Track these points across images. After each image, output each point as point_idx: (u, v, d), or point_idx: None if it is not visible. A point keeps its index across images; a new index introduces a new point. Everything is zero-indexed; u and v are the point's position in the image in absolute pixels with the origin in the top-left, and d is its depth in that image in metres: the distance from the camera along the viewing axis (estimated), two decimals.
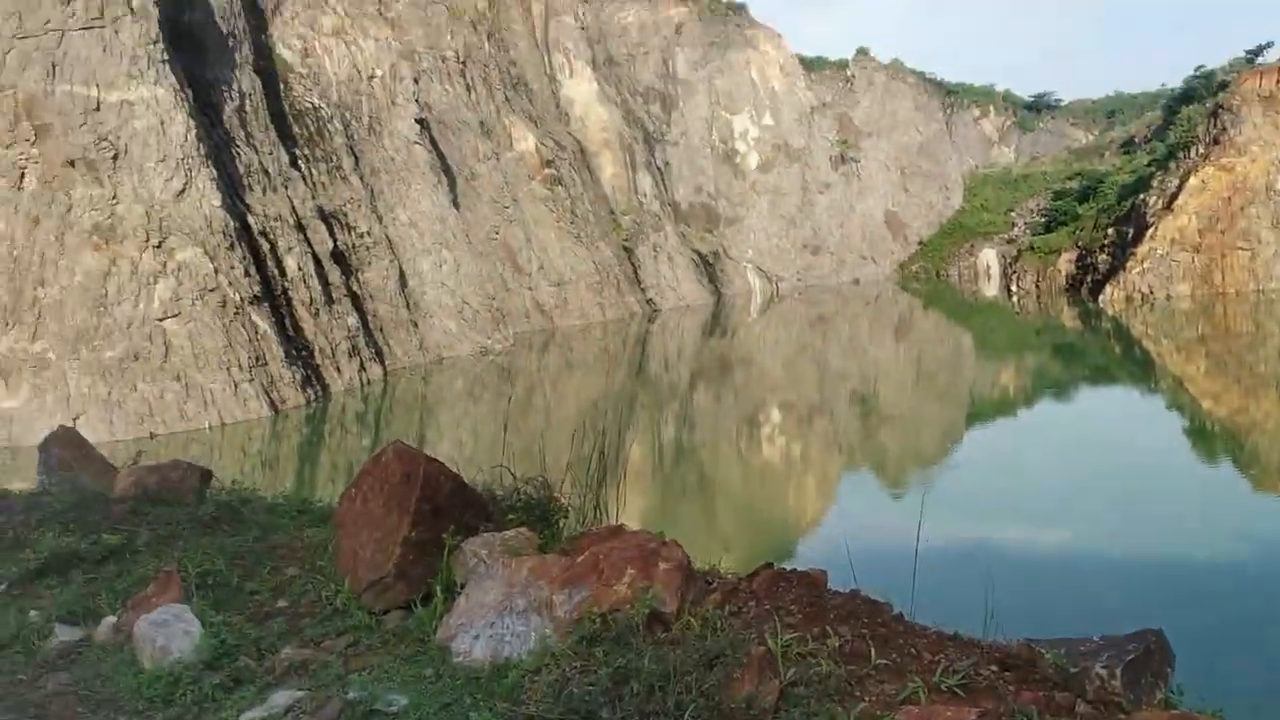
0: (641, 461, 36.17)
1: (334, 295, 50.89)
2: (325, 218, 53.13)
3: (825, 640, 4.27)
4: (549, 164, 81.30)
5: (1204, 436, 36.05)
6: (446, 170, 68.88)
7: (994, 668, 4.05)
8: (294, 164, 52.71)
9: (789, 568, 5.05)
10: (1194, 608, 17.90)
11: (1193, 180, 71.22)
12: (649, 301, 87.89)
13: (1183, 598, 18.82)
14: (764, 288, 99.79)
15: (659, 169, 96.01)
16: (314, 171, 54.88)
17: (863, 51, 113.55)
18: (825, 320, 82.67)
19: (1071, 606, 16.86)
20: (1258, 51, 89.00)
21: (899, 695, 3.91)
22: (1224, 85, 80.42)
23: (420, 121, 65.52)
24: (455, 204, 67.55)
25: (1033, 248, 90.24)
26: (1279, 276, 69.54)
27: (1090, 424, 39.78)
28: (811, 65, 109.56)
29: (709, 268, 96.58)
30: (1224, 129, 72.25)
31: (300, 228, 50.18)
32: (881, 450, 37.28)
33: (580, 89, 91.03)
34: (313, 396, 44.73)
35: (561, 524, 6.53)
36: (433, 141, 67.92)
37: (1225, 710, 4.18)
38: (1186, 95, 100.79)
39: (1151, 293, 69.87)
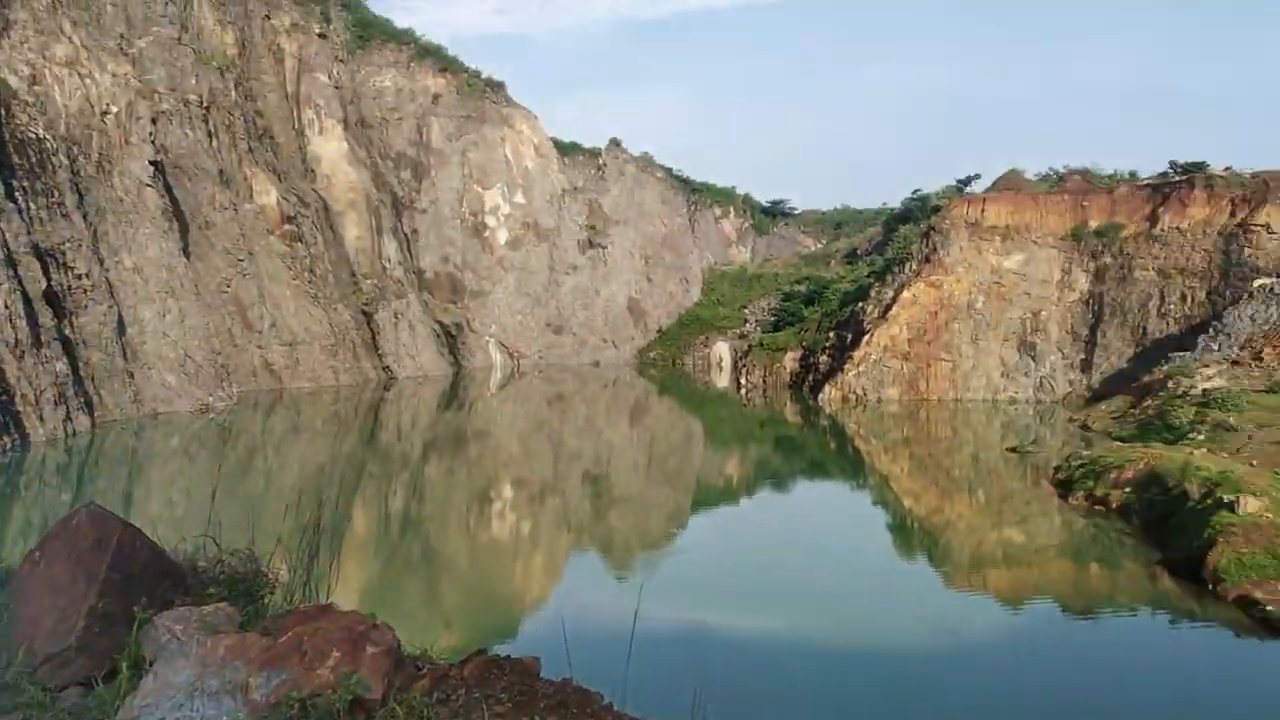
0: (364, 535, 35.12)
1: (43, 338, 47.16)
2: (40, 255, 49.36)
3: None
4: (290, 219, 78.87)
5: (903, 532, 38.71)
6: (179, 216, 65.57)
7: None
8: (9, 195, 48.78)
9: (504, 653, 5.02)
10: (889, 694, 19.20)
11: (905, 294, 77.24)
12: (386, 369, 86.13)
13: (876, 685, 20.04)
14: (505, 363, 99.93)
15: (406, 235, 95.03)
16: (32, 205, 50.89)
17: (615, 142, 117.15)
18: (564, 399, 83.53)
19: (779, 692, 17.56)
20: (967, 181, 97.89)
21: None
22: (936, 209, 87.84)
23: (155, 164, 62.26)
24: (186, 252, 64.29)
25: (762, 344, 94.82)
26: (975, 387, 76.12)
27: (805, 516, 41.97)
28: (565, 150, 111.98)
29: (450, 339, 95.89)
30: (934, 249, 78.94)
31: (11, 263, 46.34)
32: (609, 532, 37.78)
33: (329, 147, 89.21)
34: (9, 445, 41.10)
35: (267, 600, 6.18)
36: (167, 186, 64.64)
37: None
38: (904, 215, 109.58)
39: (865, 394, 74.83)
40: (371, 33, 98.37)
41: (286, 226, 78.47)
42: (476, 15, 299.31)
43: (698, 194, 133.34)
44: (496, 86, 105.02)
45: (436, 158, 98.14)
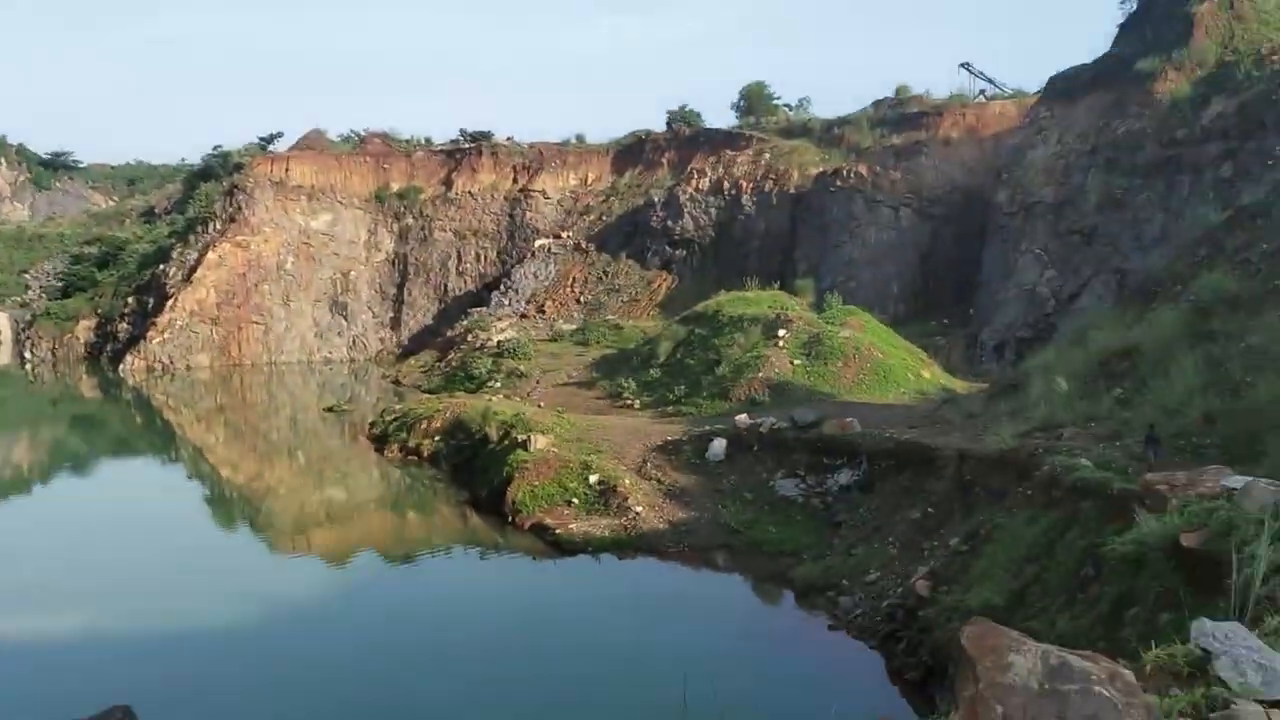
0: None
1: None
2: None
3: None
4: None
5: (223, 503, 37.35)
6: None
7: None
8: None
9: None
10: (181, 673, 18.49)
11: (211, 255, 74.18)
12: None
13: (180, 665, 19.12)
14: None
15: None
16: None
17: None
18: None
19: (85, 692, 15.94)
20: (270, 139, 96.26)
21: None
22: (239, 167, 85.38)
23: None
24: None
25: (49, 313, 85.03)
26: (289, 350, 75.70)
27: (111, 498, 38.60)
28: None
29: None
30: (240, 208, 76.74)
31: None
32: None
33: None
34: None
35: None
36: None
37: None
38: (206, 172, 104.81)
39: (173, 363, 70.73)
40: None
41: None
42: None
43: None
44: None
45: None
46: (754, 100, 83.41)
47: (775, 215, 68.40)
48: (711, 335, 43.96)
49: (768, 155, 72.36)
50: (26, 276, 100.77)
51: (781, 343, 40.10)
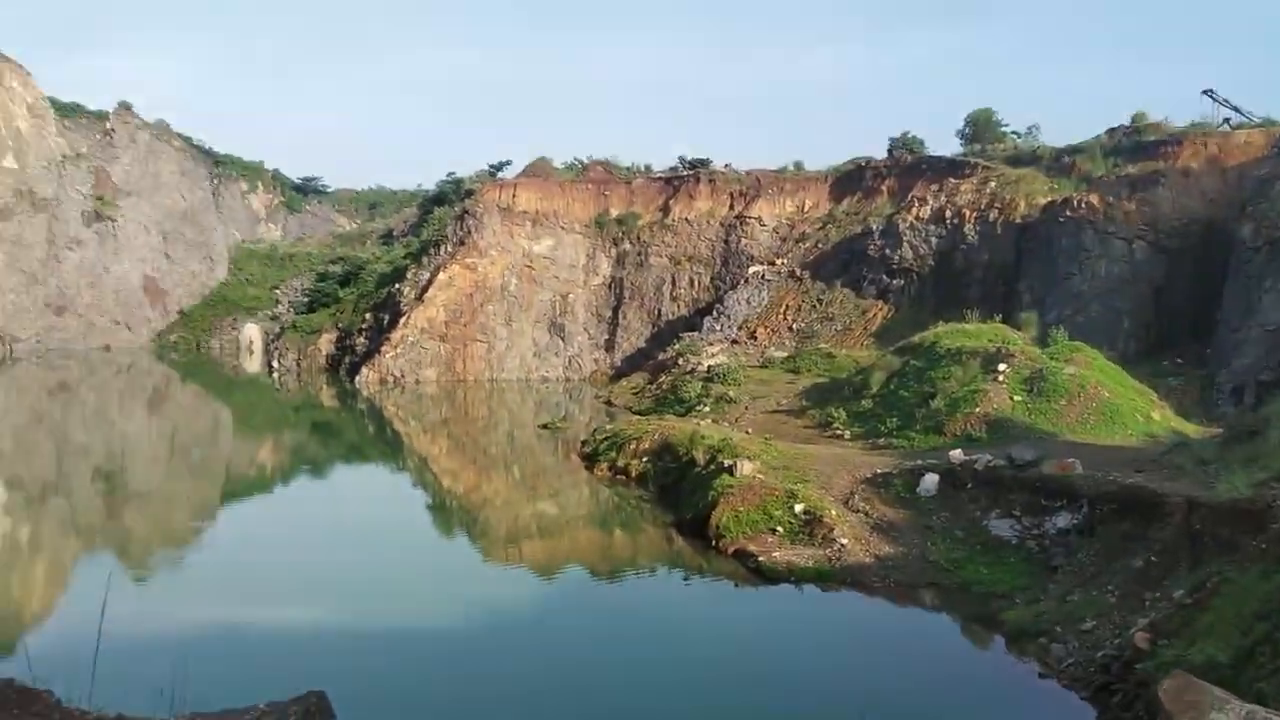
0: None
1: None
2: None
3: None
4: None
5: (443, 511, 39.09)
6: None
7: None
8: None
9: None
10: (379, 667, 19.39)
11: (441, 275, 78.00)
12: None
13: (412, 663, 20.04)
14: None
15: None
16: None
17: (125, 105, 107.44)
18: (68, 388, 75.35)
19: (279, 677, 16.99)
20: (499, 167, 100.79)
21: None
22: (470, 193, 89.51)
23: None
24: None
25: (296, 326, 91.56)
26: (509, 368, 78.61)
27: (343, 500, 41.09)
28: (66, 111, 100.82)
29: None
30: (469, 232, 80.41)
31: None
32: (123, 531, 34.61)
33: None
34: None
35: None
36: None
37: None
38: (439, 197, 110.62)
39: (403, 376, 74.69)
40: None
41: None
42: None
43: (221, 166, 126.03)
44: None
45: None
46: (980, 127, 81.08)
47: (999, 245, 66.14)
48: (927, 367, 42.91)
49: (993, 183, 70.09)
50: (277, 292, 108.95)
51: (1001, 378, 38.71)
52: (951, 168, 75.14)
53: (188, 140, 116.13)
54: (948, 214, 69.71)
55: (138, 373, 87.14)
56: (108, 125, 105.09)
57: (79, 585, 26.35)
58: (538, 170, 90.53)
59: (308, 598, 24.76)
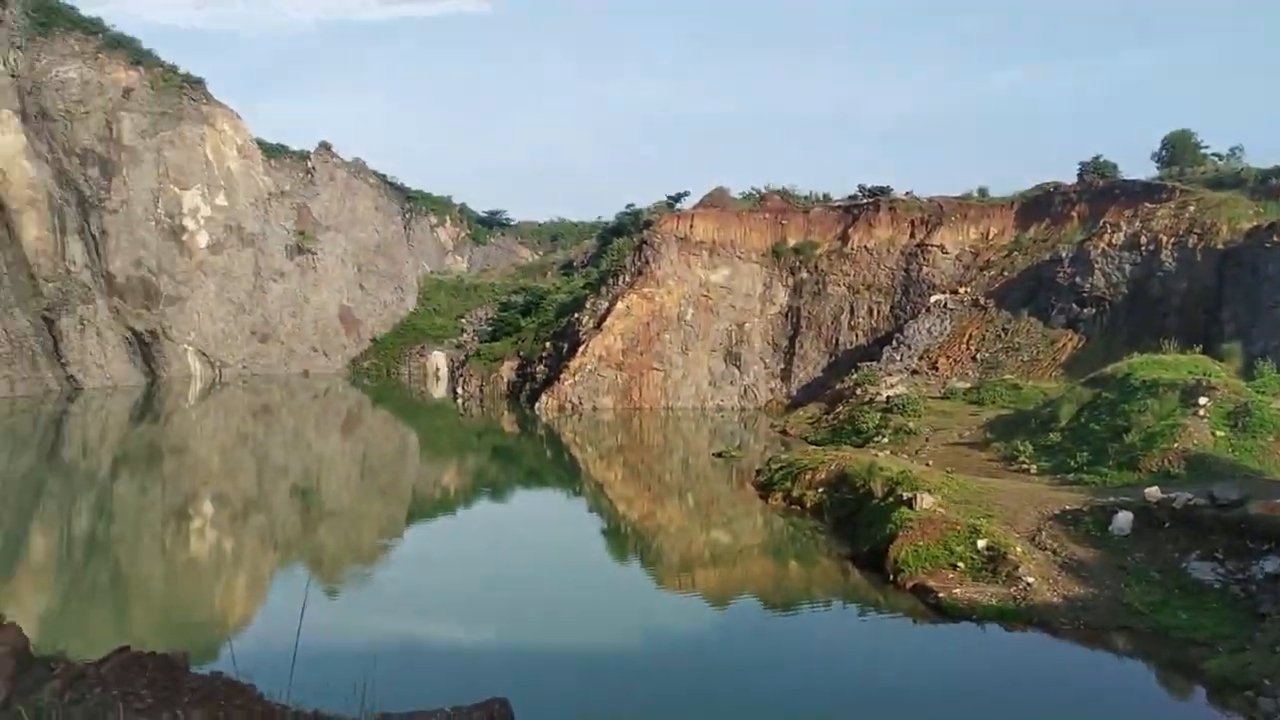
0: (40, 557, 32.21)
1: None
2: None
3: None
4: None
5: (617, 536, 39.52)
6: None
7: None
8: None
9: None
10: (558, 682, 19.67)
11: (619, 305, 79.18)
12: (70, 378, 79.61)
13: (585, 683, 20.30)
14: (206, 373, 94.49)
15: (94, 236, 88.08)
16: None
17: (325, 145, 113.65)
18: (270, 411, 79.85)
19: (462, 684, 17.43)
20: (677, 198, 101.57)
21: None
22: (648, 224, 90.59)
23: None
24: None
25: (479, 354, 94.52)
26: (684, 396, 78.98)
27: (521, 523, 42.11)
28: (272, 152, 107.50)
29: (145, 347, 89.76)
30: (647, 262, 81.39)
31: None
32: (317, 546, 36.39)
33: (4, 140, 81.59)
34: None
35: None
36: None
37: None
38: (618, 228, 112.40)
39: (581, 403, 76.02)
40: (55, 20, 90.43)
41: None
42: (173, 10, 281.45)
43: (413, 201, 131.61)
44: (195, 83, 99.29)
45: (129, 155, 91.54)
46: (1178, 149, 77.08)
47: (1199, 273, 62.53)
48: (1121, 400, 40.91)
49: (1192, 208, 66.40)
50: (462, 321, 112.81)
51: (1202, 412, 36.56)
52: (1147, 192, 71.66)
53: (381, 177, 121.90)
54: (1143, 240, 66.45)
55: (333, 397, 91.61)
56: (309, 164, 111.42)
57: (278, 593, 27.93)
58: (715, 200, 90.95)
59: (488, 613, 25.50)
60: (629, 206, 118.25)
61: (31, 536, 35.34)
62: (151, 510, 40.92)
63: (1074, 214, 76.00)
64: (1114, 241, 68.04)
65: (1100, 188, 76.29)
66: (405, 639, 22.44)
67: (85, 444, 59.39)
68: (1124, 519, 28.12)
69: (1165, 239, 65.10)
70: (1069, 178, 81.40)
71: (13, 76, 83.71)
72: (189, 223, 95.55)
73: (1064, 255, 70.33)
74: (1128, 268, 66.28)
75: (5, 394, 71.37)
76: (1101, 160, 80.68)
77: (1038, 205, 79.98)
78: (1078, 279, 67.99)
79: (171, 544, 35.34)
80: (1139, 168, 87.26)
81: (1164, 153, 78.14)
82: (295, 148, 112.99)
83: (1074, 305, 67.57)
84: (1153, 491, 29.16)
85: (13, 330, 73.94)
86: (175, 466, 52.92)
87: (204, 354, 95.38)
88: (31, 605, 26.03)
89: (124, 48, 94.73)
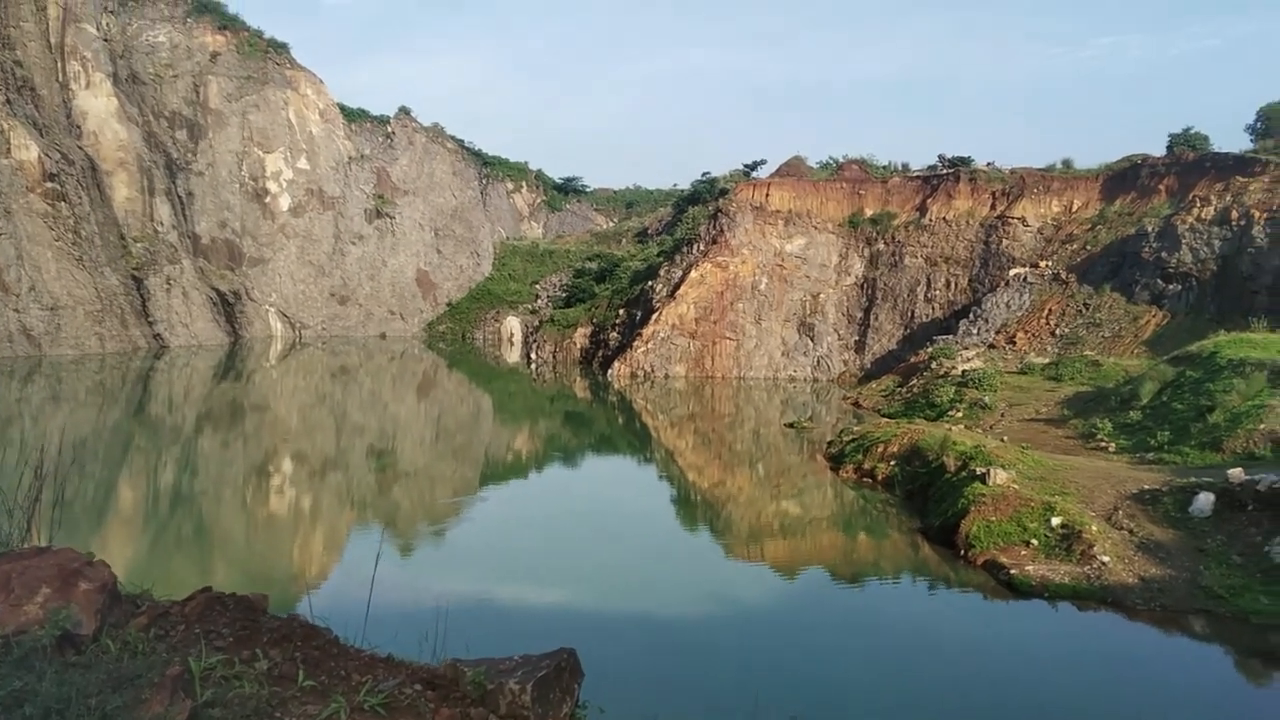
0: (128, 505, 33.33)
1: None
2: None
3: (254, 663, 4.16)
4: (52, 177, 73.61)
5: (687, 505, 39.65)
6: None
7: (419, 686, 4.16)
8: None
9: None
10: (621, 636, 19.93)
11: (694, 273, 79.02)
12: (157, 337, 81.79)
13: (652, 648, 20.50)
14: (286, 333, 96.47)
15: (181, 198, 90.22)
16: None
17: (405, 110, 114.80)
18: (348, 372, 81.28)
19: (530, 637, 17.70)
20: (753, 166, 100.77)
21: (321, 715, 3.88)
22: (724, 192, 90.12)
23: None
24: None
25: (553, 320, 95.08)
26: (757, 366, 78.70)
27: (592, 488, 42.43)
28: (353, 116, 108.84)
29: (228, 307, 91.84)
30: (722, 231, 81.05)
31: None
32: (392, 504, 37.08)
33: (97, 103, 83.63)
34: None
35: None
36: None
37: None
38: (693, 197, 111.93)
39: (653, 371, 76.18)
40: None
41: (48, 184, 73.15)
42: None
43: (490, 167, 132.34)
44: (280, 48, 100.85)
45: (215, 118, 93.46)
46: (1275, 121, 74.50)
47: None
48: (1205, 379, 39.90)
49: None
50: (537, 287, 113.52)
51: None
52: (1239, 165, 69.42)
53: (459, 142, 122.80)
54: (1234, 215, 64.45)
55: (409, 359, 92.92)
56: (389, 129, 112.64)
57: (353, 548, 28.64)
58: (791, 169, 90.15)
59: (557, 573, 25.88)
60: (705, 174, 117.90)
61: (120, 486, 36.55)
62: (233, 465, 42.04)
63: (1161, 187, 73.99)
64: (1203, 216, 66.13)
65: (1190, 160, 74.10)
66: (476, 593, 22.97)
67: (171, 400, 61.06)
68: (1205, 500, 27.50)
69: (1258, 214, 63.09)
70: (1158, 150, 79.23)
71: (105, 40, 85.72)
72: (272, 185, 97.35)
73: (1150, 230, 68.55)
74: (1217, 243, 64.41)
75: (96, 350, 73.58)
76: (1192, 132, 78.28)
77: (1124, 178, 78.00)
78: (1164, 254, 66.26)
79: (252, 498, 36.30)
80: (1232, 141, 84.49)
81: (1259, 125, 75.60)
82: (375, 112, 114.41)
83: (1159, 281, 65.90)
84: (1236, 473, 28.44)
85: (103, 289, 76.07)
86: (256, 424, 54.22)
87: (285, 315, 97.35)
88: (120, 548, 27.03)
89: (211, 12, 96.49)
